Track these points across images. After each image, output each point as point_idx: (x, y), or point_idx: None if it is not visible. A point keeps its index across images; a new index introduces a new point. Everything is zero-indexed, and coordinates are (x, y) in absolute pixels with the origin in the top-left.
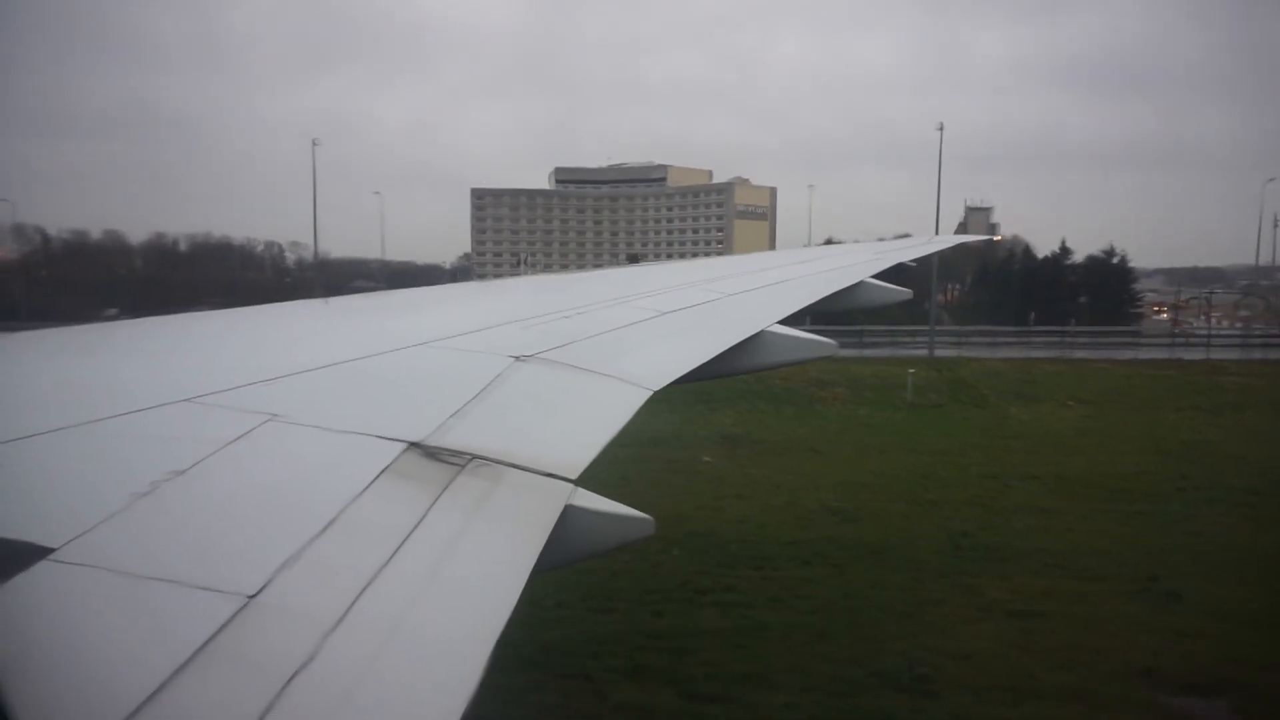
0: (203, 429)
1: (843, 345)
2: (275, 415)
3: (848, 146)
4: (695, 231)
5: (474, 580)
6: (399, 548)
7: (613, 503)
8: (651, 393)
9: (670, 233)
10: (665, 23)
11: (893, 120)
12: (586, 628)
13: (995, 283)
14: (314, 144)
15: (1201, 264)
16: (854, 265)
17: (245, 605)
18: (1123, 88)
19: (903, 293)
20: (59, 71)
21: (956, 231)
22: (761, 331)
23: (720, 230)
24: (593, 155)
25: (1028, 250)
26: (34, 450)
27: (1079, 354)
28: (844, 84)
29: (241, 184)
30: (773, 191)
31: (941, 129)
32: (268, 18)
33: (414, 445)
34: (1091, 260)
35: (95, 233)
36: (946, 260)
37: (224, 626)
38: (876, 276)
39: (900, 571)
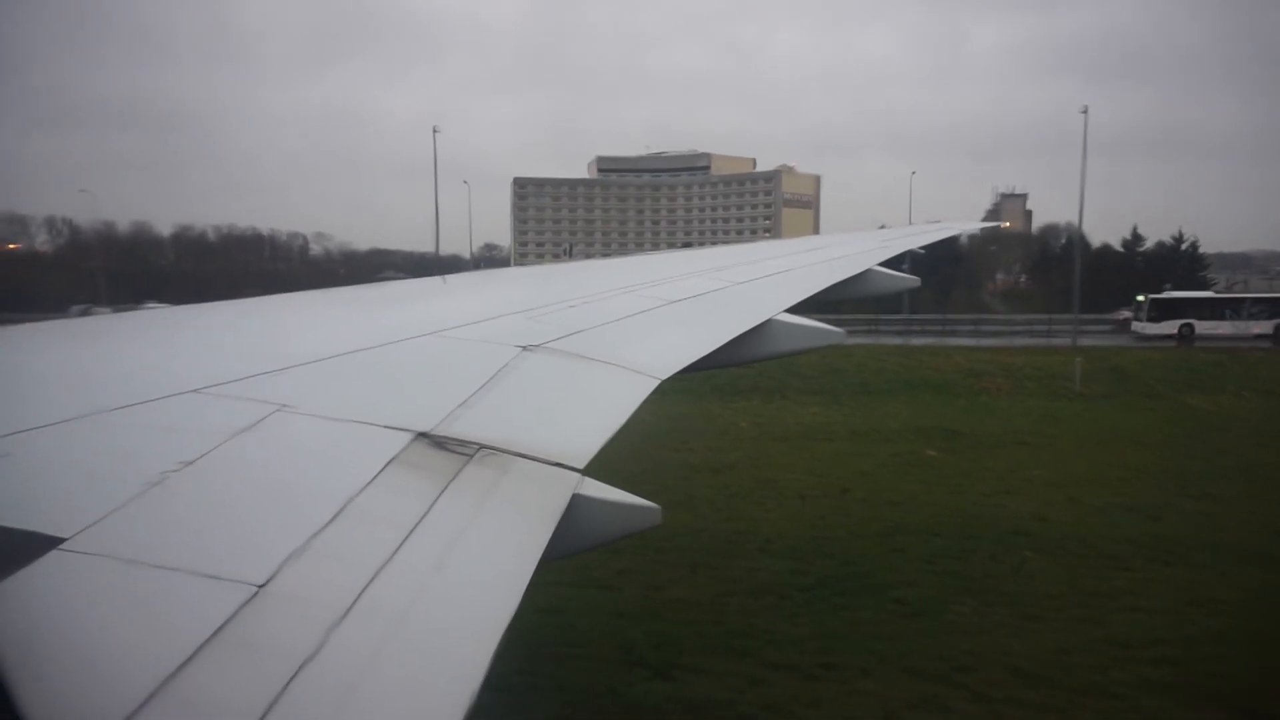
0: (212, 419)
1: (939, 333)
2: (283, 405)
3: (852, 135)
4: (741, 220)
5: (482, 570)
6: (406, 537)
7: (620, 492)
8: (659, 382)
9: (715, 221)
10: (669, 15)
11: (896, 110)
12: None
13: (1056, 271)
14: (434, 131)
15: (1227, 250)
16: (861, 253)
17: (254, 595)
18: (1129, 73)
19: (910, 280)
20: (75, 65)
21: (985, 219)
22: (769, 320)
23: (768, 219)
24: (601, 146)
25: (1084, 238)
26: (44, 441)
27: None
28: (847, 74)
29: (254, 177)
30: (817, 179)
31: (1085, 111)
32: (278, 12)
33: (422, 435)
34: (1161, 247)
35: (122, 224)
36: (980, 250)
37: (233, 616)
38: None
39: None
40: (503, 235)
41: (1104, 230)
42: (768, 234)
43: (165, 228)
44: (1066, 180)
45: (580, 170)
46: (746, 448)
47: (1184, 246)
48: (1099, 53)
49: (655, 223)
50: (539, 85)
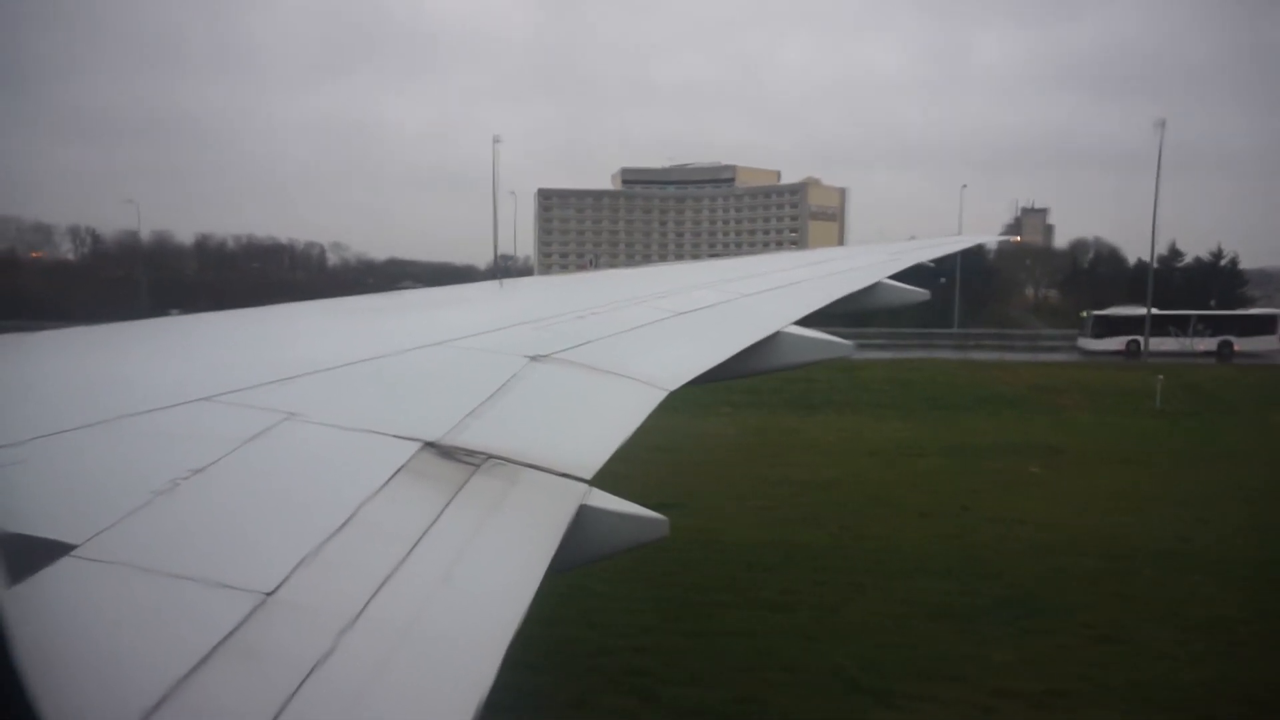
0: (221, 427)
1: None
2: (292, 414)
3: (859, 148)
4: (767, 232)
5: (489, 580)
6: (414, 547)
7: (627, 503)
8: (666, 393)
9: (740, 233)
10: (675, 27)
11: (903, 123)
12: None
13: (1085, 285)
14: (495, 141)
15: (1269, 265)
16: (870, 266)
17: (262, 602)
18: (1134, 89)
19: (920, 294)
20: (91, 77)
21: (1005, 233)
22: (778, 332)
23: (794, 231)
24: (611, 156)
25: (1115, 253)
26: (56, 448)
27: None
28: (852, 86)
29: (264, 186)
30: (842, 192)
31: (1163, 125)
32: (289, 25)
33: (430, 445)
34: (1200, 263)
35: (144, 234)
36: (1011, 264)
37: (241, 623)
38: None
39: None
40: (517, 246)
41: (1136, 246)
42: (794, 246)
43: (185, 236)
44: (1085, 194)
45: (588, 180)
46: (843, 463)
47: (1223, 262)
48: (1094, 68)
49: (679, 235)
50: (546, 96)
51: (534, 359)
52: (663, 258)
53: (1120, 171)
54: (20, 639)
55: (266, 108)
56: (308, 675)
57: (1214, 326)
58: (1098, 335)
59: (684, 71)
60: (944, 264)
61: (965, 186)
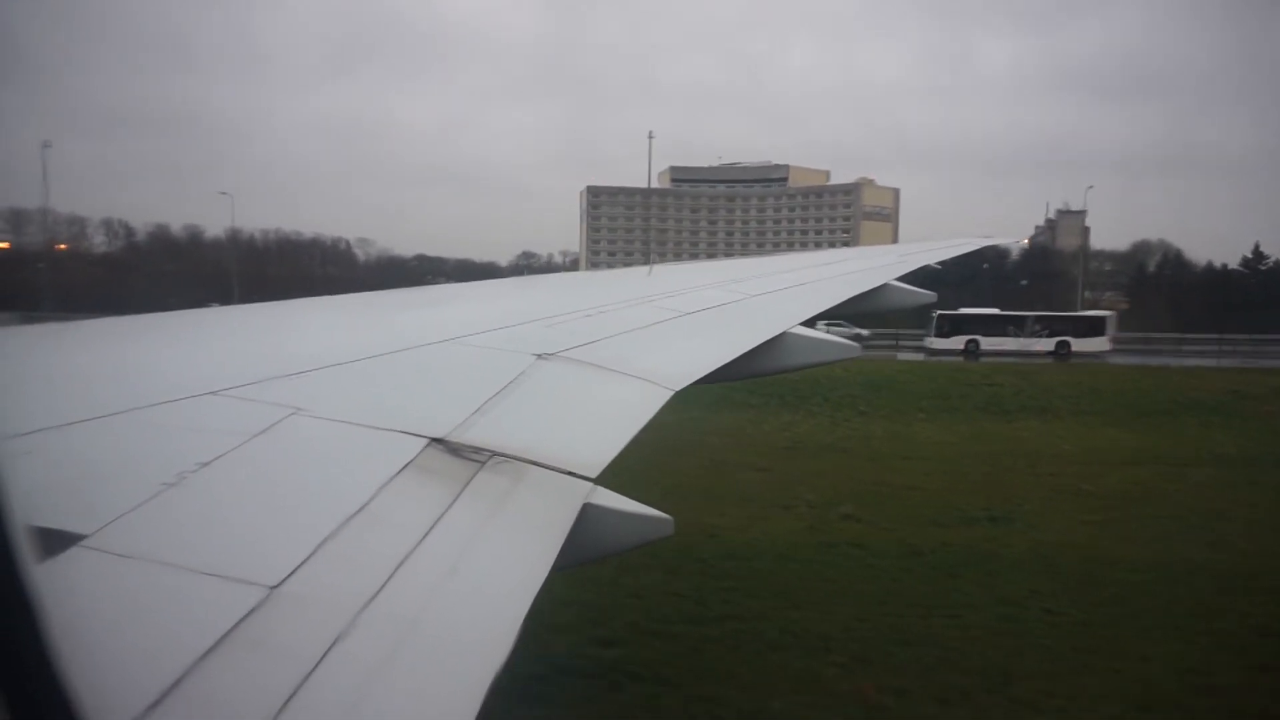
0: (229, 421)
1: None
2: (300, 409)
3: (862, 151)
4: (819, 232)
5: (493, 576)
6: (419, 543)
7: (632, 502)
8: (673, 393)
9: (791, 233)
10: (679, 29)
11: (906, 125)
12: None
13: (1150, 287)
14: (650, 137)
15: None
16: (878, 267)
17: (268, 596)
18: (1137, 91)
19: (927, 295)
20: (109, 72)
21: (1038, 235)
22: (785, 333)
23: (847, 231)
24: (620, 156)
25: (1180, 256)
26: (65, 440)
27: None
28: (857, 89)
29: (285, 182)
30: (896, 192)
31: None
32: (297, 26)
33: (436, 441)
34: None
35: (174, 227)
36: (1070, 267)
37: (247, 616)
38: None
39: None
40: (538, 244)
41: (1208, 249)
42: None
43: (216, 231)
44: (1109, 198)
45: (590, 179)
46: (1110, 473)
47: None
48: (1098, 73)
49: (729, 234)
50: (551, 96)
51: (541, 357)
52: (712, 256)
53: (1122, 174)
54: (53, 625)
55: (282, 106)
56: (314, 668)
57: (1051, 327)
58: (941, 334)
59: (689, 72)
60: (1007, 266)
61: (998, 187)
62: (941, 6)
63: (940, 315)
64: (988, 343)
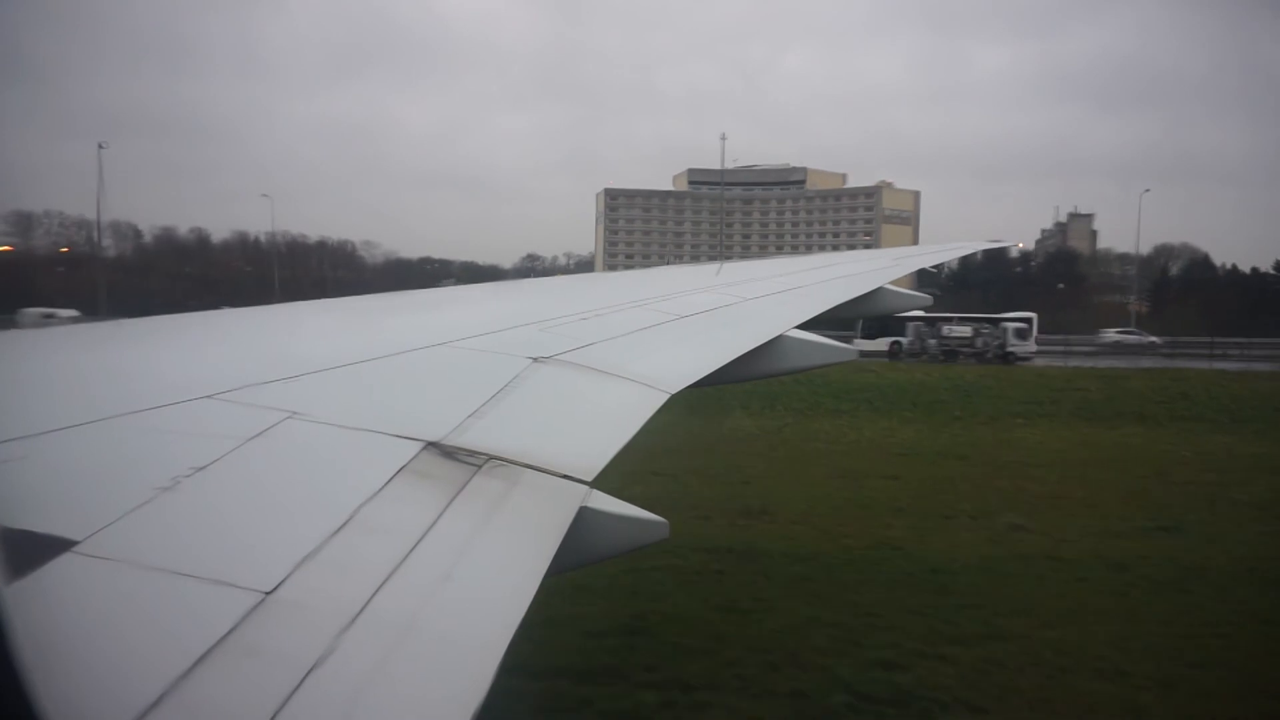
0: (224, 425)
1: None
2: (294, 413)
3: (862, 155)
4: (837, 235)
5: (489, 581)
6: (414, 547)
7: (628, 505)
8: (669, 396)
9: (810, 235)
10: (678, 36)
11: (901, 132)
12: None
13: (1171, 290)
14: (723, 138)
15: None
16: (873, 271)
17: (262, 601)
18: (1133, 99)
19: (923, 299)
20: (110, 77)
21: (1044, 239)
22: (780, 336)
23: (868, 235)
24: (616, 161)
25: (1206, 260)
26: (58, 444)
27: None
28: (853, 95)
29: (286, 186)
30: (916, 195)
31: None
32: (303, 30)
33: (431, 445)
34: None
35: (182, 229)
36: (1090, 271)
37: (241, 621)
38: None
39: None
40: (542, 246)
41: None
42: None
43: (221, 233)
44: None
45: (592, 182)
46: (1253, 481)
47: None
48: (1093, 80)
49: (746, 236)
50: (553, 100)
51: (536, 360)
52: (730, 259)
53: (1119, 177)
54: (21, 635)
55: (286, 111)
56: (307, 674)
57: (978, 329)
58: (867, 336)
59: (688, 79)
60: (1029, 268)
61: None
62: (939, 13)
63: (865, 319)
64: (910, 345)
